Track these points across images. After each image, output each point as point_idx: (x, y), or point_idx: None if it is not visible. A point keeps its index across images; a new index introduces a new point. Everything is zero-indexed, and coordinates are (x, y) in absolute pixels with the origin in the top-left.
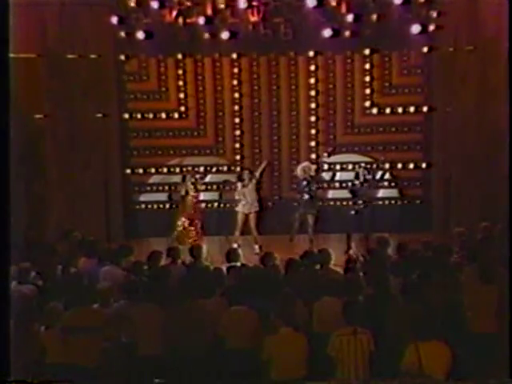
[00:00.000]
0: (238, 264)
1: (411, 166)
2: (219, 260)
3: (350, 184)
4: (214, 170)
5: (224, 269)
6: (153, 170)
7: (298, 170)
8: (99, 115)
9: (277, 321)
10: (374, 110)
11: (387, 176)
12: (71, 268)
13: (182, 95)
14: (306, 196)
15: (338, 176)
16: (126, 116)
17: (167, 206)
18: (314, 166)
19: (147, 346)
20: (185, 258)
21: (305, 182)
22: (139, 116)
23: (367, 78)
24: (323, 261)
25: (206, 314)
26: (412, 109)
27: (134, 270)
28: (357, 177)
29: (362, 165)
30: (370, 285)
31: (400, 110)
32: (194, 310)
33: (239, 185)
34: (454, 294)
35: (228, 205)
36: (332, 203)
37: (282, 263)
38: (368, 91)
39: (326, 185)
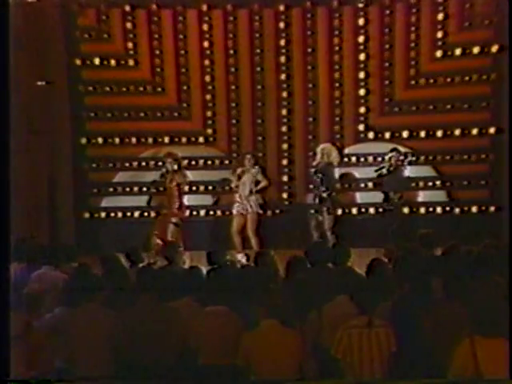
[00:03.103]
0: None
1: (473, 157)
2: None
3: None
4: (201, 163)
5: (204, 270)
6: (118, 165)
7: (318, 153)
8: (40, 83)
9: (257, 311)
10: (422, 81)
11: (429, 172)
12: None
13: (157, 61)
14: (321, 189)
15: (368, 172)
16: (81, 88)
17: (137, 214)
18: (335, 151)
19: (88, 364)
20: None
21: (319, 171)
22: (98, 89)
23: (412, 36)
24: (339, 258)
25: (171, 323)
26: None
27: (79, 274)
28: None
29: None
30: (403, 286)
31: (458, 79)
32: (153, 316)
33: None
34: None
35: (225, 211)
36: (363, 209)
37: (281, 262)
38: (413, 54)
39: (352, 183)
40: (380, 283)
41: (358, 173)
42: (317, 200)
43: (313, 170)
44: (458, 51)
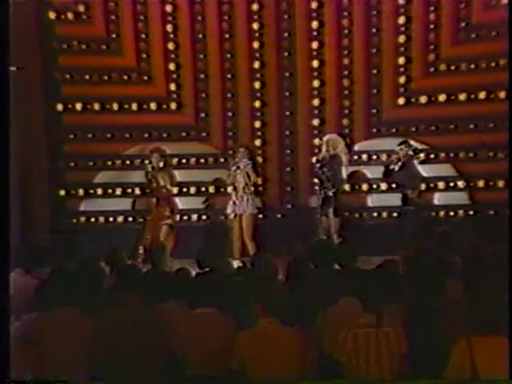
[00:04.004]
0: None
1: (500, 155)
2: None
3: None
4: (193, 161)
5: (192, 272)
6: (99, 163)
7: (323, 145)
8: (12, 69)
9: (253, 311)
10: (442, 67)
11: (448, 171)
12: None
13: (142, 45)
14: (327, 186)
15: (380, 171)
16: (57, 75)
17: (120, 218)
18: (342, 142)
19: (62, 376)
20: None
21: (324, 165)
22: (76, 77)
23: (431, 16)
24: (345, 258)
25: (155, 328)
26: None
27: (53, 278)
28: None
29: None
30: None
31: (484, 65)
32: (135, 322)
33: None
34: None
35: (219, 216)
36: (375, 214)
37: (281, 264)
38: (432, 37)
39: (363, 184)
40: (390, 283)
41: (368, 172)
42: (321, 200)
43: (317, 164)
44: (483, 32)
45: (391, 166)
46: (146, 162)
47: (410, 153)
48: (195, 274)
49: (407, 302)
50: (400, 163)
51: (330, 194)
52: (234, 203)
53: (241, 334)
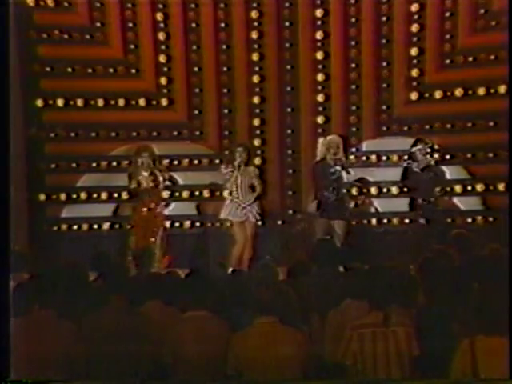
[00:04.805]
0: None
1: None
2: None
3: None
4: (185, 163)
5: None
6: (83, 165)
7: (321, 146)
8: None
9: (250, 311)
10: (459, 58)
11: (460, 174)
12: None
13: (130, 35)
14: (328, 190)
15: (390, 174)
16: (36, 67)
17: (106, 225)
18: (341, 144)
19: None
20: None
21: (324, 169)
22: (57, 70)
23: (447, 2)
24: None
25: (140, 332)
26: None
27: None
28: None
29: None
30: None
31: (505, 56)
32: (119, 325)
33: (227, 170)
34: None
35: (214, 223)
36: (385, 220)
37: (281, 267)
38: (448, 26)
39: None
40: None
41: (377, 173)
42: (320, 204)
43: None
44: (504, 20)
45: (415, 169)
46: (137, 161)
47: (428, 150)
48: (185, 276)
49: (415, 302)
50: (420, 166)
51: (332, 197)
52: (234, 208)
53: (236, 337)
